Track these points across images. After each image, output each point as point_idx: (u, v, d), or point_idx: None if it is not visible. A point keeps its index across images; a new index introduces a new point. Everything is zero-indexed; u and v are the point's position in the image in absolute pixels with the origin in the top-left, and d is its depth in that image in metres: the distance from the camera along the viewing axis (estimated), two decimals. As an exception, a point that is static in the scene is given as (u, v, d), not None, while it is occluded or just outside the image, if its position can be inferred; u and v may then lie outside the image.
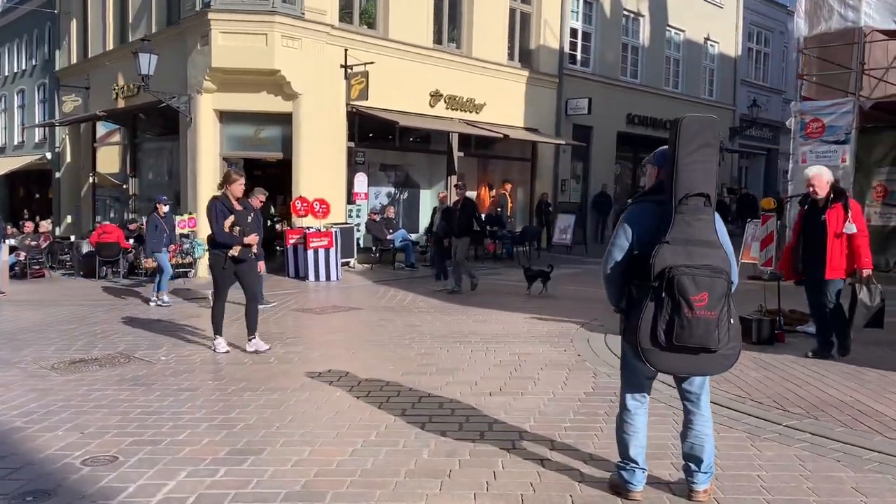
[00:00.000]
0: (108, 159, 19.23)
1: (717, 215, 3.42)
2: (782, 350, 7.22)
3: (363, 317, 9.62)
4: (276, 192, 18.51)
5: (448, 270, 12.39)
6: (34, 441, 4.62)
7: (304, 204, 13.74)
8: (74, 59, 19.69)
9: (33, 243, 15.27)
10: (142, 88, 14.26)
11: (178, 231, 13.79)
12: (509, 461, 4.23)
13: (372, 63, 14.47)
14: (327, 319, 9.53)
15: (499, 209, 18.21)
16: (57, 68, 20.78)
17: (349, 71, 14.76)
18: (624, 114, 21.50)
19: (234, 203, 7.18)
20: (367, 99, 14.58)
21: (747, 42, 26.42)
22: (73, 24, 19.59)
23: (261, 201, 9.90)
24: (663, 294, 3.27)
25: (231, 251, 7.09)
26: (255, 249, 7.33)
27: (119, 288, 12.74)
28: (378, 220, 15.29)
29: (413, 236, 16.24)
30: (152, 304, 10.63)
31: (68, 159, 20.29)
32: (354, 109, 14.95)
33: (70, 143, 20.12)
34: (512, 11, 18.34)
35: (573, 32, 20.12)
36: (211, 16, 13.39)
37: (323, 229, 13.53)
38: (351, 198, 15.23)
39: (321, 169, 14.47)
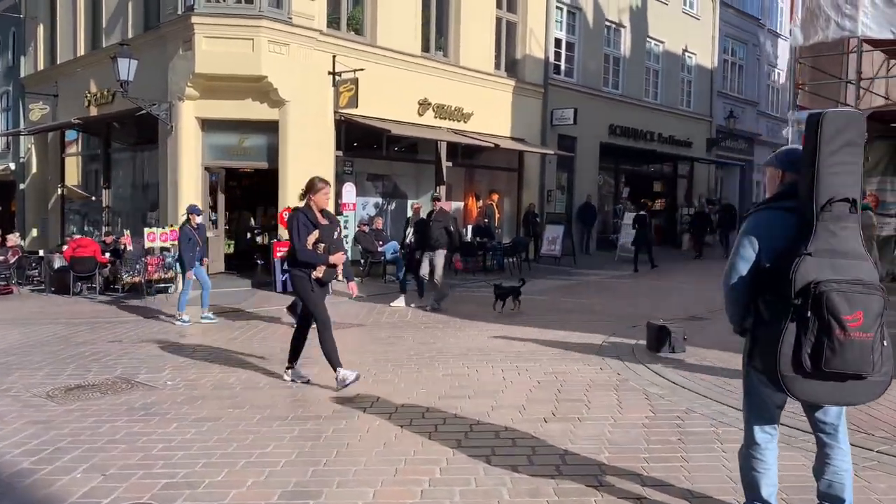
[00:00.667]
0: (78, 170, 18.37)
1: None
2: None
3: (368, 333, 9.10)
4: (257, 204, 17.97)
5: (423, 284, 11.77)
6: (49, 487, 4.02)
7: (292, 215, 13.12)
8: (42, 66, 18.75)
9: (0, 258, 14.38)
10: (117, 96, 13.55)
11: (158, 244, 13.18)
12: (603, 501, 3.78)
13: (362, 70, 13.98)
14: (332, 337, 8.96)
15: (486, 220, 17.83)
16: (22, 75, 19.78)
17: (338, 78, 14.26)
18: (606, 124, 21.35)
19: (319, 216, 6.19)
20: (356, 106, 14.05)
21: (723, 54, 26.57)
22: (40, 29, 18.66)
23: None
24: (808, 313, 2.85)
25: (315, 272, 6.12)
26: (340, 270, 6.34)
27: (97, 305, 11.98)
28: (368, 231, 14.76)
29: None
30: (178, 323, 9.76)
31: (34, 170, 19.29)
32: (343, 117, 14.42)
33: (36, 153, 19.13)
34: (498, 20, 18.04)
35: (557, 42, 19.91)
36: (195, 20, 12.78)
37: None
38: (339, 209, 14.68)
39: (309, 178, 13.85)
